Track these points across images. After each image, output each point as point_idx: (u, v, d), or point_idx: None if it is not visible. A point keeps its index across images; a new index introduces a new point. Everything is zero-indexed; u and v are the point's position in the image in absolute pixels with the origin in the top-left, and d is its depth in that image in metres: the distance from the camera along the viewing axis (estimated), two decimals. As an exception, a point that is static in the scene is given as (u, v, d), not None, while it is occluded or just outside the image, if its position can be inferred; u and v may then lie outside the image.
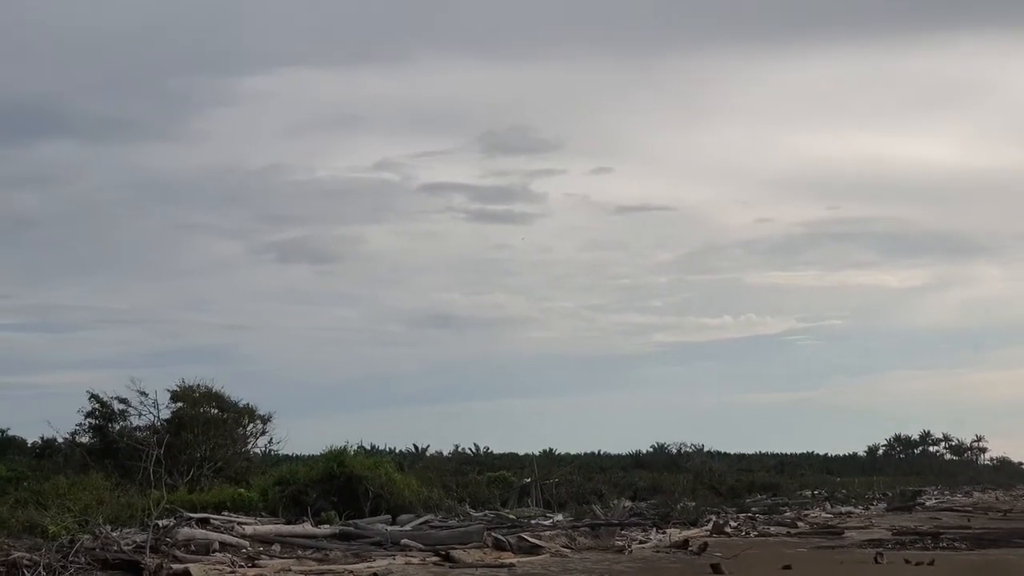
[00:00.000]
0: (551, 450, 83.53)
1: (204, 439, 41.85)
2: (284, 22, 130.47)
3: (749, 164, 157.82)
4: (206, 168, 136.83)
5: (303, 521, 31.68)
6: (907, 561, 27.37)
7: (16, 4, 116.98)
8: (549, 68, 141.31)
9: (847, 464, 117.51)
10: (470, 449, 77.42)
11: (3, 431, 51.71)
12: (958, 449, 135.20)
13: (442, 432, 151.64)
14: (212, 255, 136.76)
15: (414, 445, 66.97)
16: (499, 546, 29.08)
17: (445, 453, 74.69)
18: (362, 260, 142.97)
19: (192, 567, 22.15)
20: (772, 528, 42.41)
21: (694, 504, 47.10)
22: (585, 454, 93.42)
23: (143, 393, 41.24)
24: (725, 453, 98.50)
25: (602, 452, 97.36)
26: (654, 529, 37.02)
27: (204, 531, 26.57)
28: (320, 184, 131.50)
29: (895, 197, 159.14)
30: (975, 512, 56.49)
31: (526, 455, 69.30)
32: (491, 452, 78.24)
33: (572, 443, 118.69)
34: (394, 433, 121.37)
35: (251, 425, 44.80)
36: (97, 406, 42.26)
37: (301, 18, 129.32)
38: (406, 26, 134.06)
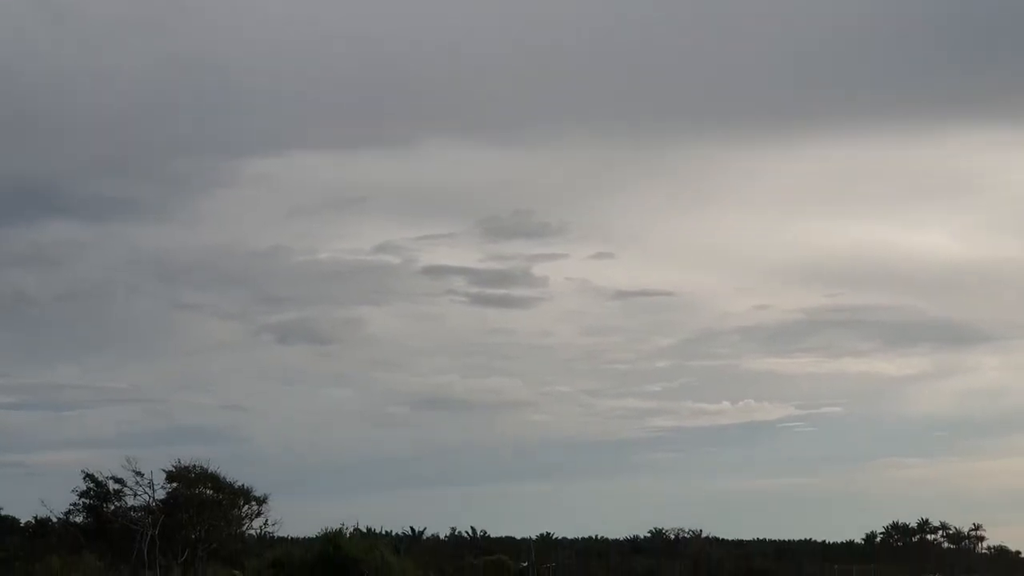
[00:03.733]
0: (549, 534, 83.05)
1: (199, 520, 41.68)
2: (288, 106, 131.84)
3: (749, 252, 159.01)
4: (207, 249, 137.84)
5: (298, 604, 31.39)
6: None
7: (18, 86, 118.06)
8: (552, 154, 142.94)
9: (845, 551, 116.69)
10: (467, 532, 76.91)
11: (-4, 510, 51.41)
12: (956, 538, 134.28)
13: (439, 514, 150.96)
14: (211, 336, 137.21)
15: (411, 528, 66.54)
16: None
17: (442, 536, 74.23)
18: (361, 342, 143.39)
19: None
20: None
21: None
22: (583, 539, 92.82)
23: (139, 473, 41.22)
24: (723, 539, 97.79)
25: (600, 537, 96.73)
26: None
27: (198, 613, 26.34)
28: (321, 266, 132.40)
29: (894, 286, 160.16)
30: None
31: (523, 539, 68.92)
32: (488, 536, 77.68)
33: (569, 527, 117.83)
34: (391, 515, 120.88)
35: (246, 506, 44.59)
36: (92, 486, 42.15)
37: (305, 102, 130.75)
38: (410, 111, 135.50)
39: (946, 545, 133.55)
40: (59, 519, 43.72)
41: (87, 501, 42.41)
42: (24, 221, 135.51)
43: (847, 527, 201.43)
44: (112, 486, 42.10)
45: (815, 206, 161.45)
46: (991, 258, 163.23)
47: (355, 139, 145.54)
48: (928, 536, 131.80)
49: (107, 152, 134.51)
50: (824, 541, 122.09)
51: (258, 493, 44.71)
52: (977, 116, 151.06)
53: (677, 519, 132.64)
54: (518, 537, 76.15)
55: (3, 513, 52.36)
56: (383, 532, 56.37)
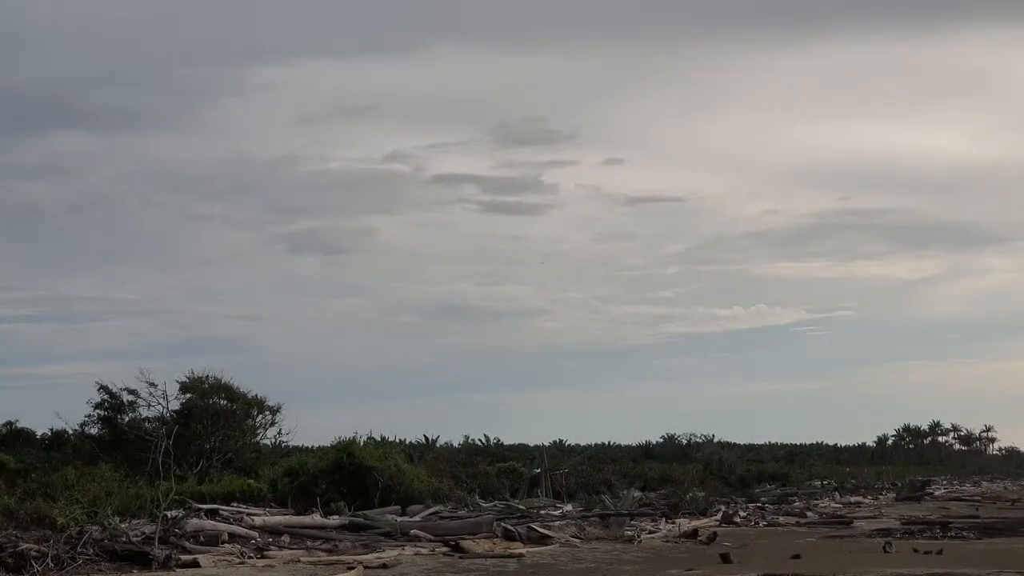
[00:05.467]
0: (561, 441, 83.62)
1: (213, 430, 41.88)
2: (296, 12, 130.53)
3: (760, 155, 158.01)
4: (217, 159, 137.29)
5: (312, 512, 31.69)
6: (916, 550, 27.35)
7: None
8: (562, 59, 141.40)
9: (856, 454, 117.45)
10: (480, 440, 77.39)
11: (12, 423, 51.71)
12: (967, 439, 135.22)
13: (452, 423, 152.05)
14: (223, 246, 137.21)
15: (424, 436, 66.87)
16: (509, 536, 29.08)
17: (455, 444, 74.68)
18: (373, 251, 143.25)
19: (201, 558, 22.17)
20: (781, 518, 42.40)
21: (703, 494, 47.08)
22: (595, 445, 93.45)
23: (152, 384, 41.32)
24: (735, 443, 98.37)
25: (612, 443, 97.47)
26: (663, 519, 37.03)
27: (213, 522, 26.60)
28: (332, 175, 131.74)
29: (906, 188, 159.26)
30: (984, 501, 56.45)
31: (536, 446, 69.22)
32: (501, 443, 78.17)
33: (582, 434, 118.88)
34: (404, 424, 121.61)
35: (260, 416, 44.83)
36: (106, 397, 42.30)
37: (313, 8, 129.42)
38: (419, 17, 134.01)
39: (957, 447, 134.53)
40: (75, 431, 44.01)
41: (102, 412, 42.58)
42: (34, 133, 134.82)
43: (859, 430, 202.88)
44: (126, 397, 42.26)
45: (827, 107, 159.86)
46: (1005, 159, 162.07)
47: (363, 46, 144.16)
48: (939, 438, 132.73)
49: (114, 63, 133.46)
50: (836, 444, 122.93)
51: (271, 403, 44.96)
52: (992, 12, 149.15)
53: (690, 424, 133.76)
54: (531, 444, 76.85)
55: (19, 425, 52.84)
56: (397, 440, 56.69)
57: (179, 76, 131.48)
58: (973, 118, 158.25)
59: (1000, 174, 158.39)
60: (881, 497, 62.48)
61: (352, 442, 38.72)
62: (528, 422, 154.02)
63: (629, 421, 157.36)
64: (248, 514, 29.39)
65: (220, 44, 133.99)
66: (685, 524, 34.74)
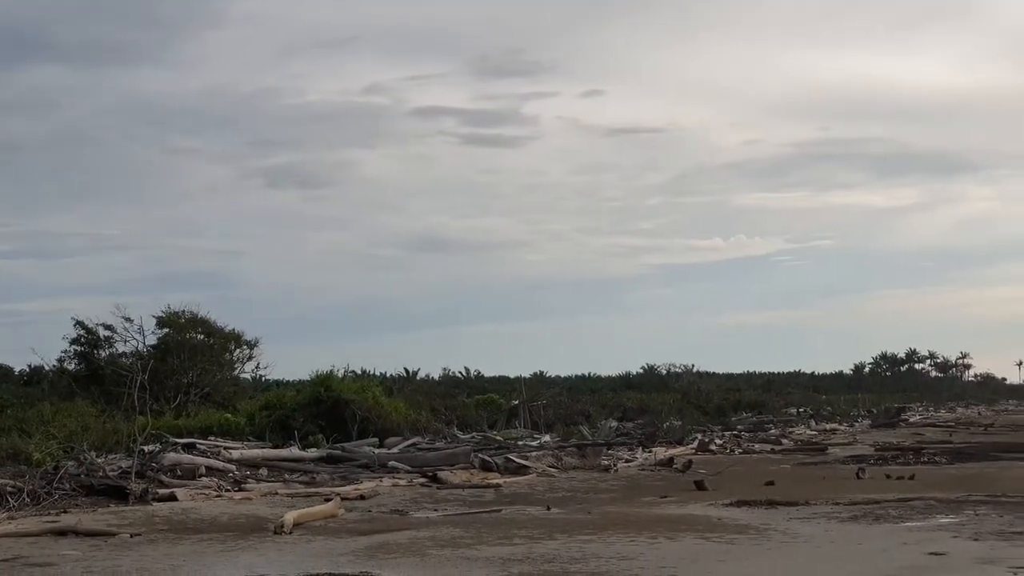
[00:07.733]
0: (541, 373, 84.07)
1: (191, 365, 41.90)
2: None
3: (739, 85, 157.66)
4: (195, 92, 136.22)
5: (290, 445, 31.80)
6: (888, 476, 27.63)
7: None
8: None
9: (834, 382, 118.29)
10: (460, 372, 77.78)
11: (-10, 359, 51.68)
12: (943, 366, 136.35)
13: (433, 356, 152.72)
14: (201, 180, 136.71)
15: (404, 369, 67.20)
16: (486, 467, 29.23)
17: (435, 377, 74.99)
18: (353, 184, 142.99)
19: (178, 491, 22.22)
20: (756, 445, 42.74)
21: (680, 423, 47.40)
22: (575, 376, 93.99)
23: (128, 319, 41.22)
24: (713, 373, 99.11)
25: (592, 374, 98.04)
26: (640, 448, 37.25)
27: (190, 456, 26.67)
28: (311, 108, 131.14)
29: (885, 117, 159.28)
30: (957, 427, 56.97)
31: (516, 378, 69.56)
32: (481, 375, 78.61)
33: (563, 366, 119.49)
34: (384, 357, 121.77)
35: (238, 351, 44.87)
36: (83, 333, 42.25)
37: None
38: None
39: (934, 374, 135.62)
40: (52, 367, 43.97)
41: (78, 348, 42.57)
42: (10, 67, 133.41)
43: (837, 359, 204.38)
44: (103, 333, 42.21)
45: (806, 37, 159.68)
46: (984, 87, 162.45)
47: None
48: (916, 365, 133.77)
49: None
50: (813, 372, 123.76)
51: (249, 337, 44.99)
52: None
53: (669, 355, 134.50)
54: (511, 376, 77.22)
55: (-3, 362, 52.83)
56: (376, 374, 56.85)
57: (157, 9, 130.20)
58: (954, 47, 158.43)
59: (980, 103, 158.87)
60: (856, 424, 63.01)
61: (330, 375, 38.76)
62: (509, 354, 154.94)
63: (609, 352, 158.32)
64: (226, 448, 29.47)
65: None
66: (661, 453, 34.97)
